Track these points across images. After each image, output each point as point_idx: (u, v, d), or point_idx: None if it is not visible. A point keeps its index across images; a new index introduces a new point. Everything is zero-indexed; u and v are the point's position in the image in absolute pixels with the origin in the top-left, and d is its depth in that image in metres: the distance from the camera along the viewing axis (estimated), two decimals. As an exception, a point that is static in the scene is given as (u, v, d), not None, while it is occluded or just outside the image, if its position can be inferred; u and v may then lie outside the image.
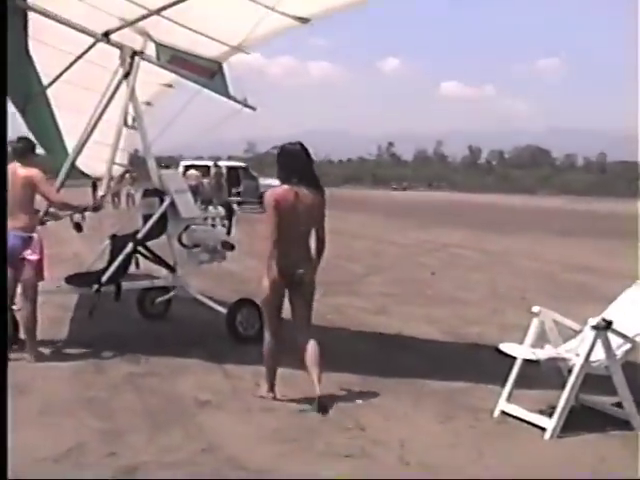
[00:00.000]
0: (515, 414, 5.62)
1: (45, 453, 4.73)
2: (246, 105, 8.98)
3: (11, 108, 8.50)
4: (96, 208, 7.91)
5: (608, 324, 5.29)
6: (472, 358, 7.60)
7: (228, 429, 5.33)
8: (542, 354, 5.59)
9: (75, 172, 10.78)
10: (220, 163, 36.11)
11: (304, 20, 7.23)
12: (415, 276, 13.94)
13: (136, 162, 11.49)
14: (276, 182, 6.03)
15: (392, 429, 5.38)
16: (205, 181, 30.56)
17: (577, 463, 4.83)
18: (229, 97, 8.91)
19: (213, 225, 8.62)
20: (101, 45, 8.05)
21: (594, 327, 5.28)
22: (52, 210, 8.04)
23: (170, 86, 10.39)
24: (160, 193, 8.17)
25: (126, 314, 8.87)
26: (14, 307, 7.16)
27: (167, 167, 18.57)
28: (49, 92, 9.20)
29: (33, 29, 7.63)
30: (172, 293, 8.70)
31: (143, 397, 6.04)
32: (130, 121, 8.16)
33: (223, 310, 7.99)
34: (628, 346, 5.44)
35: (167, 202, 8.08)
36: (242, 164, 41.71)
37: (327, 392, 5.95)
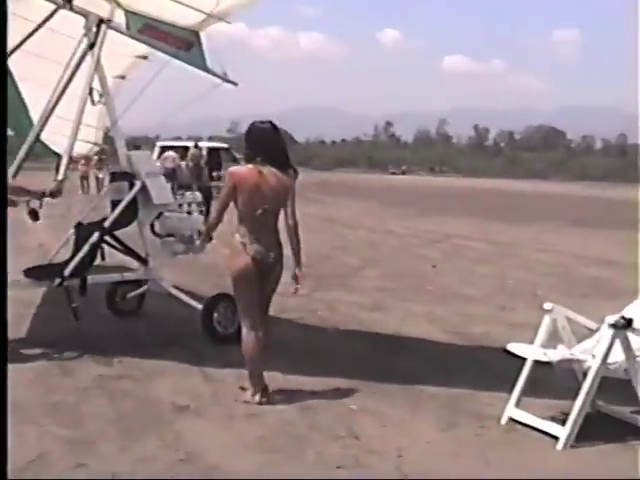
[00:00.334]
0: (524, 421, 5.63)
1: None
2: (226, 80, 8.92)
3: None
4: (53, 194, 7.67)
5: (628, 322, 5.30)
6: (477, 359, 7.63)
7: (209, 437, 5.33)
8: (554, 355, 5.60)
9: (47, 152, 10.73)
10: (200, 144, 36.01)
11: None
12: (415, 269, 13.97)
13: (107, 142, 11.41)
14: None
15: (389, 437, 5.39)
16: (183, 164, 30.52)
17: (592, 475, 4.85)
18: (207, 71, 8.86)
19: (189, 212, 8.53)
20: (66, 12, 7.99)
21: (612, 325, 5.29)
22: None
23: (145, 58, 10.33)
24: (130, 176, 8.12)
25: (95, 310, 8.83)
26: None
27: (138, 148, 18.53)
28: (10, 64, 9.13)
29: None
30: (144, 287, 8.68)
31: (115, 402, 6.02)
32: (96, 97, 8.11)
33: (199, 306, 7.96)
34: (649, 347, 5.45)
35: (137, 186, 8.03)
36: (224, 145, 41.59)
37: (317, 395, 5.95)
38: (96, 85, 8.12)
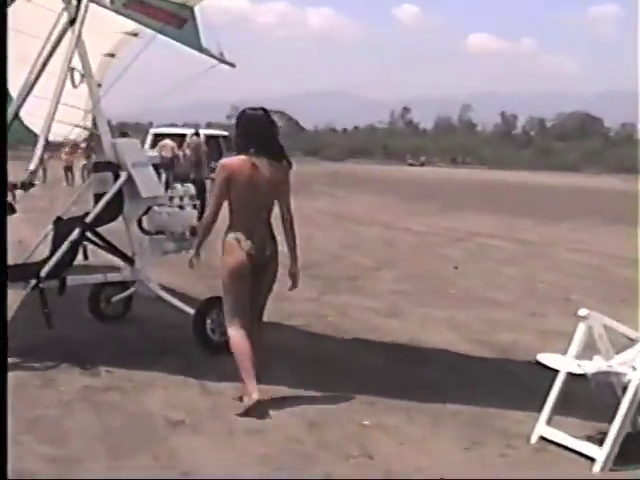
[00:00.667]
0: (557, 440, 5.61)
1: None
2: (223, 61, 8.86)
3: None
4: (25, 185, 7.61)
5: (672, 331, 5.27)
6: (504, 371, 7.61)
7: (206, 455, 5.33)
8: (590, 367, 5.57)
9: (29, 136, 10.71)
10: (199, 131, 35.96)
11: None
12: (435, 271, 13.96)
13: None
14: None
15: (406, 456, 5.38)
16: (181, 153, 30.51)
17: (632, 501, 4.84)
18: (202, 51, 8.83)
19: (181, 207, 8.46)
20: None
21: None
22: None
23: (136, 35, 10.31)
24: (114, 167, 8.07)
25: (79, 315, 8.84)
26: None
27: (125, 135, 18.46)
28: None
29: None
30: (131, 289, 8.66)
31: (102, 416, 6.00)
32: (77, 78, 8.08)
33: (190, 310, 7.90)
34: (698, 359, 5.43)
35: (123, 178, 7.98)
36: (224, 132, 41.57)
37: (326, 410, 5.94)
38: (79, 65, 8.09)
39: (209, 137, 36.88)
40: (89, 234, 7.93)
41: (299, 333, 8.77)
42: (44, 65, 8.16)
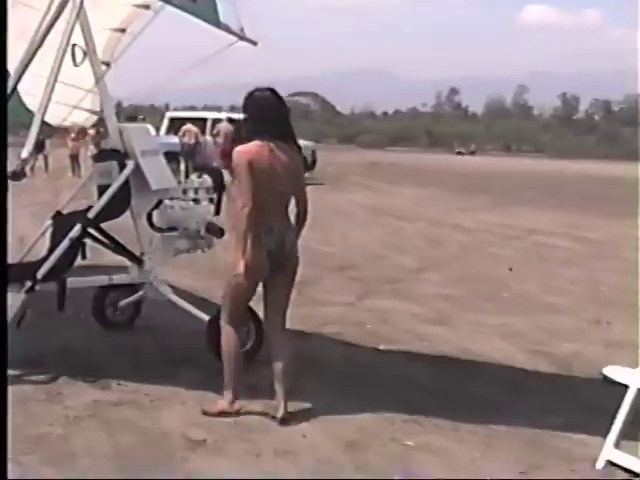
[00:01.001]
0: (626, 465, 5.57)
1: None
2: (243, 38, 8.80)
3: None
4: (17, 175, 7.50)
5: None
6: (565, 386, 7.57)
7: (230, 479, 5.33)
8: (665, 382, 5.54)
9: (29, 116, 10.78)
10: (221, 115, 35.99)
11: None
12: (486, 272, 13.94)
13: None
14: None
15: (455, 482, 5.37)
16: (208, 138, 30.47)
17: None
18: (219, 26, 8.79)
19: (196, 200, 8.43)
20: None
21: None
22: None
23: (147, 7, 10.32)
24: (120, 155, 8.03)
25: (87, 322, 8.89)
26: None
27: (133, 119, 18.48)
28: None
29: None
30: (140, 293, 8.66)
31: (113, 435, 6.02)
32: (79, 55, 8.08)
33: (205, 317, 7.83)
34: None
35: (129, 167, 7.91)
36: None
37: (365, 429, 5.93)
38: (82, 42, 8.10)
39: (231, 121, 36.98)
40: (92, 230, 7.83)
41: (334, 343, 8.76)
42: (43, 40, 8.16)
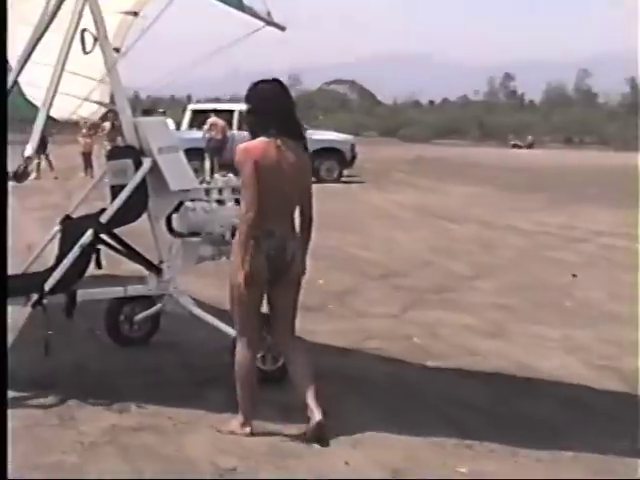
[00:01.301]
0: None
1: None
2: (269, 22, 8.81)
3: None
4: (19, 176, 7.49)
5: None
6: (635, 406, 7.50)
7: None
8: None
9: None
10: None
11: None
12: (547, 279, 13.89)
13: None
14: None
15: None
16: (236, 133, 30.47)
17: None
18: (244, 10, 8.82)
19: (220, 201, 8.45)
20: None
21: None
22: None
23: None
24: (136, 153, 8.04)
25: (102, 338, 8.93)
26: None
27: (148, 113, 18.51)
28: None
29: None
30: (158, 306, 8.68)
31: (133, 462, 6.05)
32: (89, 42, 8.10)
33: (231, 332, 7.65)
34: None
35: (146, 166, 7.92)
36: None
37: (412, 454, 5.94)
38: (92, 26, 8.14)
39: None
40: (105, 236, 7.82)
41: (377, 359, 8.76)
42: (48, 25, 8.21)
